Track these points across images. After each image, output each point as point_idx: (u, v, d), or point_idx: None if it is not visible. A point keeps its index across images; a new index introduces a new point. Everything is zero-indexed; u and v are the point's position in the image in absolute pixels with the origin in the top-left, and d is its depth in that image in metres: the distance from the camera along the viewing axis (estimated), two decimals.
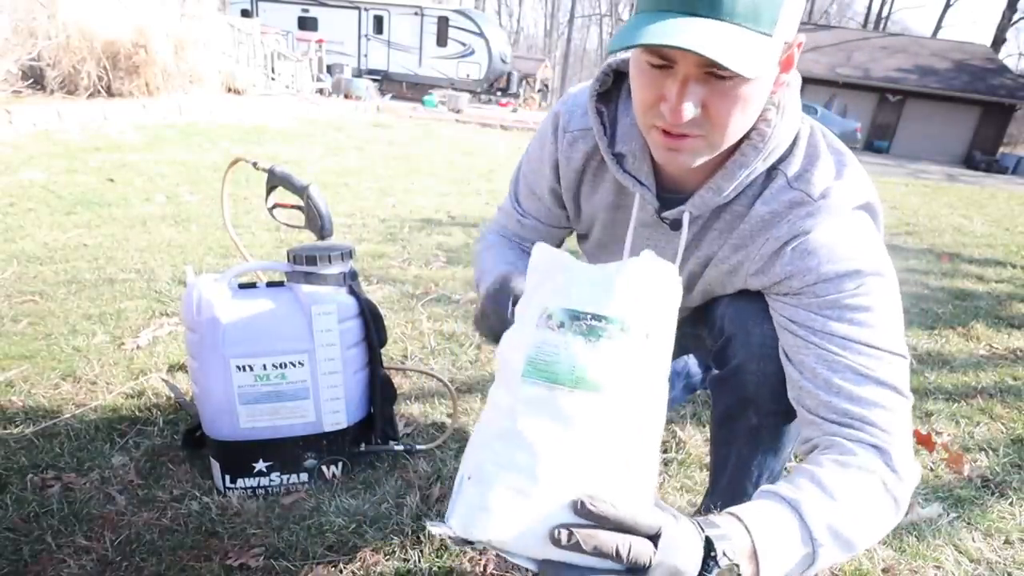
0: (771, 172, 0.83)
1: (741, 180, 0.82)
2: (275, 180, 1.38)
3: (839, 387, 0.76)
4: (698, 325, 1.10)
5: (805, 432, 0.82)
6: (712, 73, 0.67)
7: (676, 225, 0.91)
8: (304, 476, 1.29)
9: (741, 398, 0.94)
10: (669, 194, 0.90)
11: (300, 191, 1.33)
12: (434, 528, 0.56)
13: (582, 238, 1.12)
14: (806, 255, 0.79)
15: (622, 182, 0.91)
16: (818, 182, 0.80)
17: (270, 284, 1.27)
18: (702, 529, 0.59)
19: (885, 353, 0.77)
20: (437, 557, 1.13)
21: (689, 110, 0.69)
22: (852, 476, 0.71)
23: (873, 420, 0.75)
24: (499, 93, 18.91)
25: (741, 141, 0.80)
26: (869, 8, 36.81)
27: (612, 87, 0.92)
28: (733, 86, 0.68)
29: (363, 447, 1.34)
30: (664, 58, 0.68)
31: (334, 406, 1.26)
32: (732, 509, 0.65)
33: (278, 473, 1.26)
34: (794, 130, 0.82)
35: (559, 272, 0.61)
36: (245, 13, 14.90)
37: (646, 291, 0.59)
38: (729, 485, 1.03)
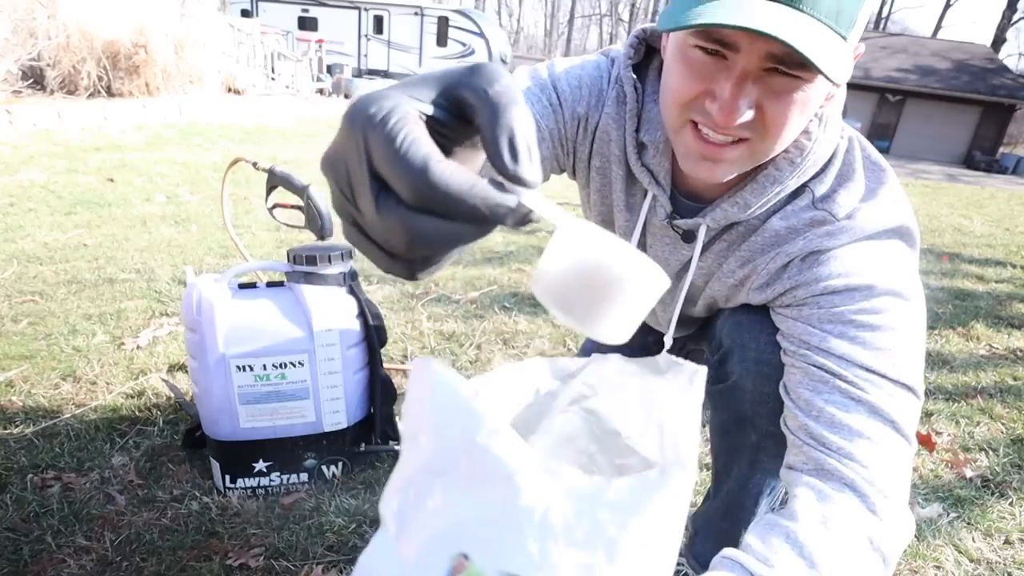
0: (799, 189, 0.75)
1: (770, 197, 0.74)
2: (275, 180, 1.38)
3: (820, 410, 0.67)
4: (700, 341, 1.00)
5: (788, 456, 0.71)
6: (775, 69, 0.58)
7: (688, 236, 0.82)
8: (304, 476, 1.29)
9: (739, 416, 0.86)
10: (683, 199, 0.81)
11: (300, 191, 1.33)
12: None
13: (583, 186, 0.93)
14: (815, 265, 0.71)
15: (636, 175, 0.81)
16: (844, 203, 0.72)
17: (270, 284, 1.27)
18: None
19: (888, 382, 0.66)
20: None
21: (744, 111, 0.59)
22: (834, 538, 0.60)
23: (852, 453, 0.64)
24: None
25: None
26: None
27: (642, 62, 0.80)
28: (796, 87, 0.59)
29: (363, 447, 1.34)
30: (722, 44, 0.57)
31: (334, 406, 1.26)
32: None
33: (278, 473, 1.26)
34: (833, 146, 0.73)
35: (487, 477, 0.28)
36: (245, 13, 14.89)
37: (669, 513, 0.29)
38: (728, 495, 0.97)
